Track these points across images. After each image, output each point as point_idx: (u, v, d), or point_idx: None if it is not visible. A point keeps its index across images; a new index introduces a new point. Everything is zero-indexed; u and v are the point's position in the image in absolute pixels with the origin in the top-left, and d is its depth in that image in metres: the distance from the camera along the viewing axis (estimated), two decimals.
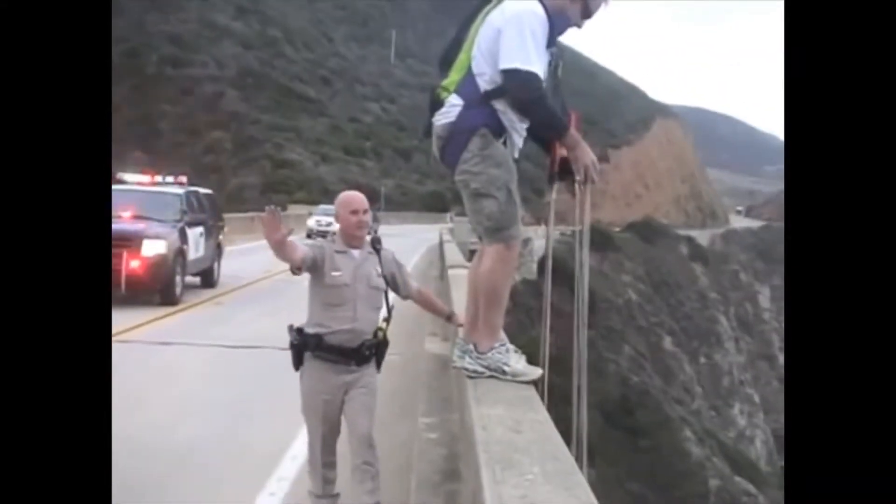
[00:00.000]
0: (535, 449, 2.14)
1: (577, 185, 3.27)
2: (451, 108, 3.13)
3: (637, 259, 63.48)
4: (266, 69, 73.75)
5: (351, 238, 3.83)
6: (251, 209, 36.62)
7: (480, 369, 3.14)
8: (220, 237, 14.73)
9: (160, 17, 72.37)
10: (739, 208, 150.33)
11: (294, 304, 13.81)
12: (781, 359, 78.58)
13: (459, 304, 5.96)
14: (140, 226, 11.35)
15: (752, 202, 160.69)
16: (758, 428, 61.17)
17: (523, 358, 3.20)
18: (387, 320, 3.90)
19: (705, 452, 40.41)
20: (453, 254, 13.55)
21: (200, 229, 13.00)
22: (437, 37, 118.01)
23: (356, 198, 3.91)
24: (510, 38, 2.98)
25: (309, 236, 32.38)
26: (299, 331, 3.78)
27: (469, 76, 3.11)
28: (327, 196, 49.95)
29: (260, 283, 14.99)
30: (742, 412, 61.03)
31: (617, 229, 68.56)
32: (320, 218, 33.54)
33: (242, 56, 73.21)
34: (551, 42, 3.06)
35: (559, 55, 3.17)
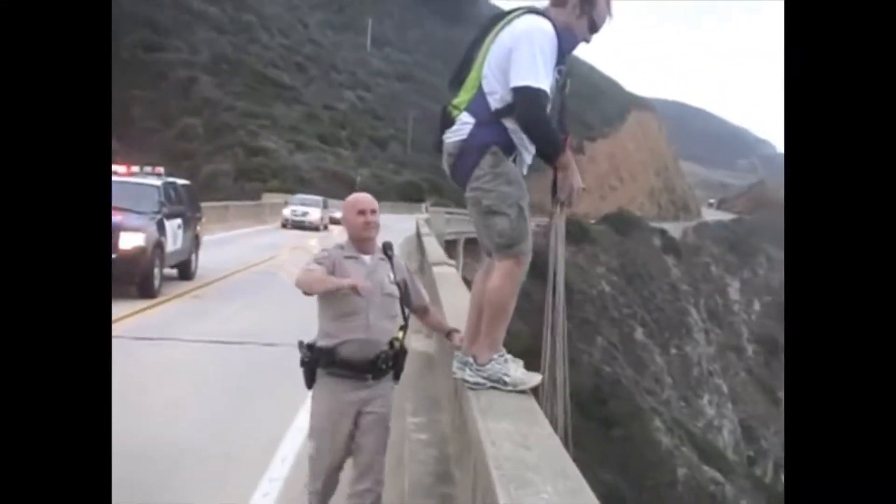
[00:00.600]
0: (544, 466, 2.19)
1: (557, 206, 3.32)
2: (463, 125, 3.16)
3: (611, 251, 63.99)
4: (240, 55, 72.99)
5: (360, 241, 3.71)
6: (225, 197, 36.33)
7: (481, 381, 3.17)
8: (198, 228, 14.63)
9: (135, 0, 71.31)
10: (711, 201, 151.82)
11: (274, 298, 13.73)
12: (750, 350, 79.76)
13: (446, 302, 6.01)
14: (117, 218, 11.19)
15: (725, 195, 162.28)
16: (725, 418, 62.04)
17: (521, 364, 3.24)
18: (403, 328, 3.75)
19: (674, 442, 40.99)
20: (434, 249, 13.55)
21: (178, 221, 12.88)
22: (413, 26, 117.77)
23: (363, 198, 3.79)
24: (521, 55, 3.01)
25: (284, 226, 32.20)
26: (310, 346, 3.65)
27: (480, 95, 3.14)
28: (302, 185, 49.64)
29: (238, 276, 14.93)
30: (711, 402, 61.86)
31: (592, 221, 69.06)
32: (296, 208, 33.31)
33: (216, 41, 72.37)
34: (561, 60, 3.10)
35: (567, 72, 3.21)
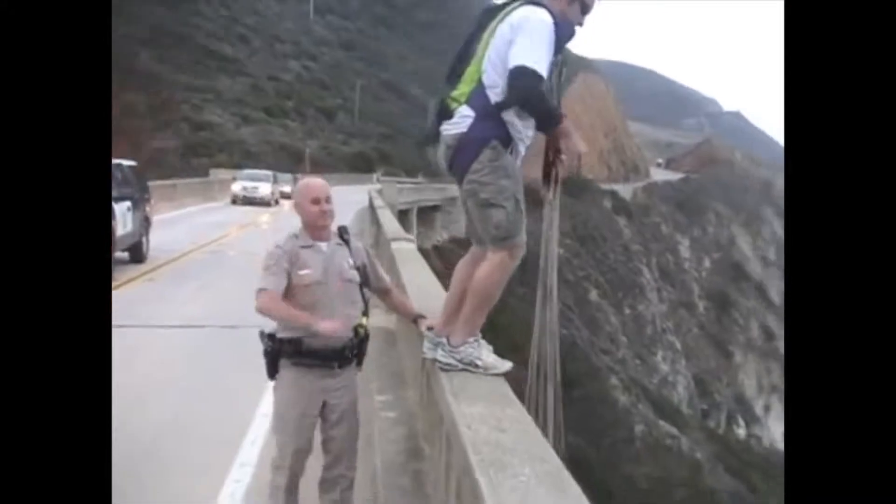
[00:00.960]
0: (521, 449, 2.24)
1: (551, 186, 3.42)
2: (463, 118, 3.20)
3: (563, 214, 64.22)
4: (180, 27, 71.06)
5: (316, 230, 3.63)
6: (171, 174, 35.55)
7: (453, 362, 3.22)
8: (147, 210, 14.35)
9: None
10: (660, 161, 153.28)
11: (228, 278, 13.54)
12: (701, 306, 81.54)
13: (408, 280, 6.02)
14: None
15: (672, 154, 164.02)
16: (679, 374, 63.55)
17: (491, 349, 3.30)
18: (365, 314, 3.70)
19: (631, 399, 41.86)
20: (391, 222, 13.51)
21: (127, 203, 12.60)
22: None
23: (316, 185, 3.69)
24: (521, 42, 3.06)
25: (234, 202, 31.70)
26: (271, 336, 3.57)
27: (480, 88, 3.18)
28: (250, 159, 48.86)
29: (190, 256, 14.73)
30: (665, 359, 63.28)
31: None
32: (246, 183, 32.77)
33: (154, 13, 70.26)
34: (558, 49, 3.15)
35: (564, 61, 3.26)
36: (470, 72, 3.22)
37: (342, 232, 3.76)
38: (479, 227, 3.29)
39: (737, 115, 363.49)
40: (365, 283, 3.74)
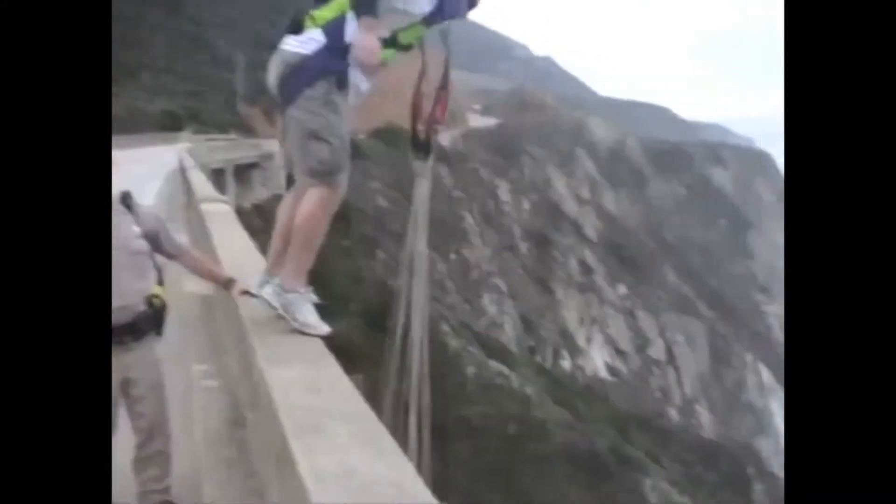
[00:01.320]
0: (337, 410, 2.18)
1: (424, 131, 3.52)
2: (311, 41, 3.06)
3: (384, 165, 64.65)
4: None
5: None
6: None
7: (276, 305, 3.15)
8: None
9: None
10: (476, 107, 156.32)
11: None
12: (523, 248, 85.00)
13: (220, 245, 5.78)
14: None
15: (488, 101, 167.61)
16: (506, 314, 66.08)
17: (315, 309, 3.25)
18: (160, 283, 3.46)
19: (461, 343, 43.10)
20: (202, 183, 12.89)
21: None
22: None
23: None
24: None
25: None
26: None
27: (341, 20, 3.05)
28: None
29: None
30: (491, 301, 65.47)
31: (361, 136, 68.95)
32: None
33: None
34: (440, 15, 3.21)
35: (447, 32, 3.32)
36: (340, 1, 3.08)
37: (125, 198, 3.45)
38: (300, 158, 3.18)
39: (547, 60, 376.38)
40: (157, 249, 3.51)
